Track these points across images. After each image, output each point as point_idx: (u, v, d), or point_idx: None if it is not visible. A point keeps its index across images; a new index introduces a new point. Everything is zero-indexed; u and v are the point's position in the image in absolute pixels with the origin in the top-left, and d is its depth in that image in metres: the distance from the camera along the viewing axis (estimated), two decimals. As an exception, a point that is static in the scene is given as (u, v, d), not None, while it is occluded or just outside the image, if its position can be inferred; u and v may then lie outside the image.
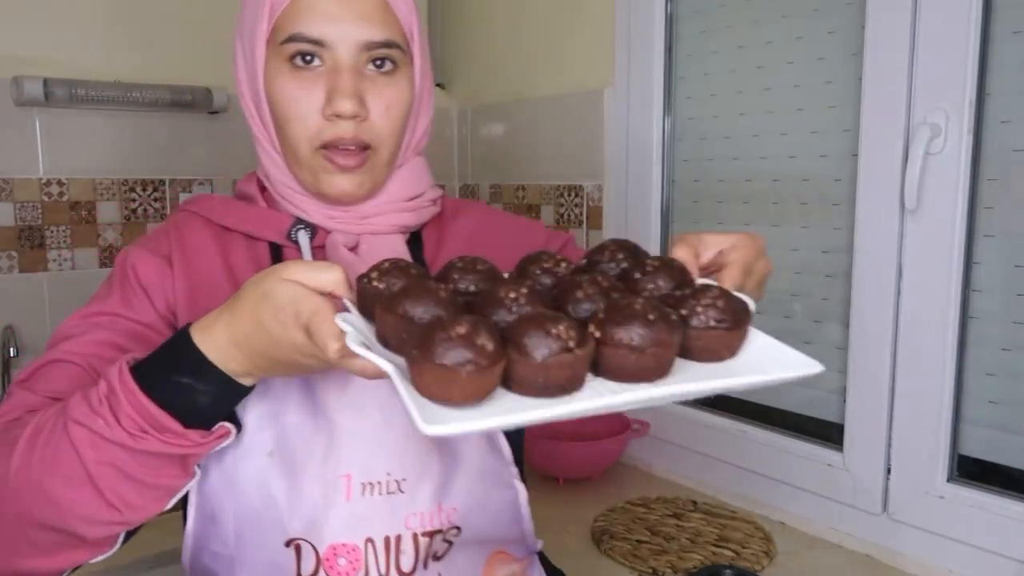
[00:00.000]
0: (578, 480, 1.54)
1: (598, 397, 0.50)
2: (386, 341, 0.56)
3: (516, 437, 0.80)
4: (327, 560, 0.67)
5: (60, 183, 1.63)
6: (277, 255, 0.80)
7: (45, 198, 1.61)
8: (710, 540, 1.27)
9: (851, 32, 1.23)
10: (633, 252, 0.64)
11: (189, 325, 0.62)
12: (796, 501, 1.34)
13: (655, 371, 0.52)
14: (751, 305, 0.58)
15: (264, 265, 0.78)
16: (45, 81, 1.52)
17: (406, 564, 0.68)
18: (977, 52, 1.08)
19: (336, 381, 0.71)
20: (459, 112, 2.08)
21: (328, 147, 0.75)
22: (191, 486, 0.67)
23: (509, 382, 0.51)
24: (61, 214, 1.63)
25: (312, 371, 0.61)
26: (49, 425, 0.62)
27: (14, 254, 1.59)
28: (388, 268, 0.59)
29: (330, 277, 0.58)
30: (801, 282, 1.35)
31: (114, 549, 0.68)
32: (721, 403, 1.50)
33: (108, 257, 1.69)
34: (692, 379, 0.53)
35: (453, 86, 2.12)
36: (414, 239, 0.84)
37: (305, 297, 0.56)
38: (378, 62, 0.76)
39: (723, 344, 0.55)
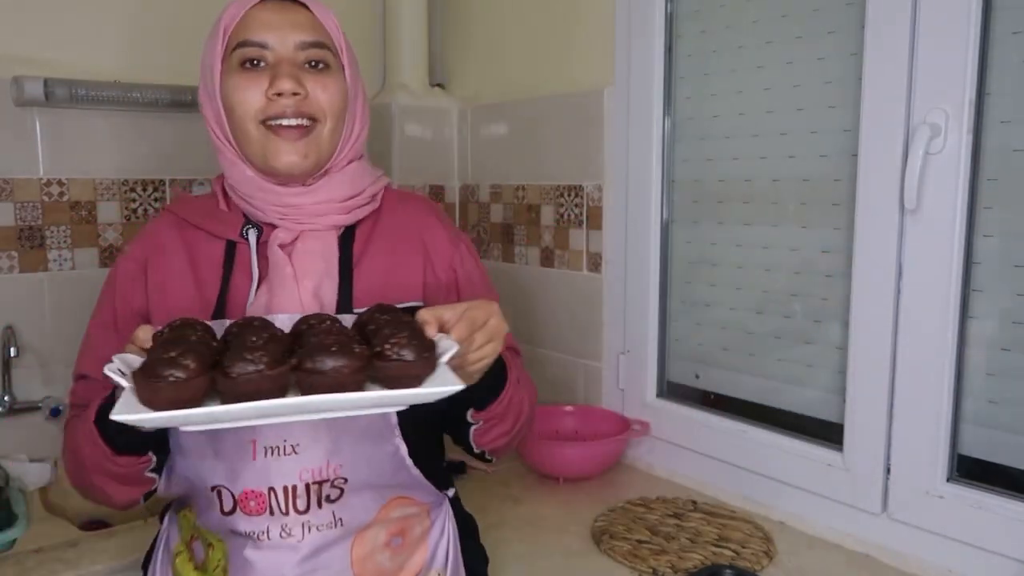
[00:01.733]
0: (578, 480, 1.54)
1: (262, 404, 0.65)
2: None
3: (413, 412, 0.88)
4: (241, 501, 0.86)
5: (60, 183, 1.63)
6: (231, 251, 0.94)
7: (45, 198, 1.61)
8: (710, 540, 1.27)
9: (851, 32, 1.23)
10: (391, 312, 0.78)
11: None
12: (796, 501, 1.34)
13: (340, 391, 0.66)
14: (445, 346, 0.72)
15: (219, 260, 0.94)
16: (45, 81, 1.52)
17: (301, 505, 0.86)
18: (977, 52, 1.08)
19: None
20: (459, 112, 2.08)
21: (272, 122, 0.88)
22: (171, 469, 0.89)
23: (222, 399, 0.66)
24: (61, 214, 1.63)
25: None
26: (71, 425, 0.92)
27: (14, 254, 1.59)
28: (178, 324, 0.75)
29: (140, 336, 0.74)
30: (801, 282, 1.35)
31: (144, 498, 0.92)
32: (722, 404, 1.50)
33: (108, 257, 1.69)
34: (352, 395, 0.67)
35: (453, 86, 2.12)
36: (348, 235, 0.96)
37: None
38: (313, 63, 0.90)
39: (407, 374, 0.68)
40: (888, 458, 1.21)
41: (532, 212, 1.84)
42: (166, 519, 1.01)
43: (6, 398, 1.58)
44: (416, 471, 0.92)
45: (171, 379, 0.63)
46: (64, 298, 1.62)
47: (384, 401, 0.68)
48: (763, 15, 1.36)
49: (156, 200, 1.74)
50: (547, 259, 1.81)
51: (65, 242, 1.64)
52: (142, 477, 0.86)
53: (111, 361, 0.69)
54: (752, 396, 1.45)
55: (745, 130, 1.41)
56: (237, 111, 0.88)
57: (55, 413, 1.62)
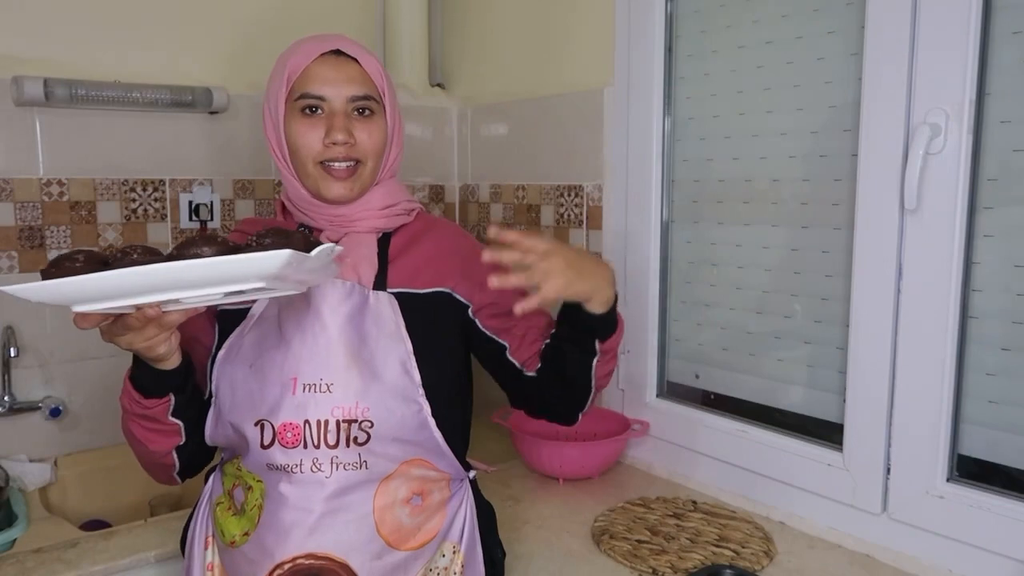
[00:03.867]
0: (578, 480, 1.54)
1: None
2: None
3: (433, 372, 1.04)
4: (280, 433, 0.99)
5: (60, 183, 1.63)
6: None
7: (45, 198, 1.61)
8: (710, 540, 1.27)
9: (851, 32, 1.23)
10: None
11: None
12: (796, 501, 1.34)
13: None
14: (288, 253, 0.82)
15: None
16: (45, 81, 1.52)
17: (331, 440, 0.99)
18: (977, 52, 1.08)
19: (294, 316, 1.02)
20: (459, 112, 2.08)
21: (326, 164, 1.06)
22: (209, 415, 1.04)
23: None
24: (61, 214, 1.63)
25: (129, 345, 0.90)
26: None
27: (14, 254, 1.59)
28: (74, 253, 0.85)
29: None
30: (801, 282, 1.35)
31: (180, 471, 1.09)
32: (722, 403, 1.50)
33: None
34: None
35: (453, 86, 2.12)
36: (385, 239, 1.12)
37: None
38: (360, 110, 1.07)
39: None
40: (888, 458, 1.21)
41: (532, 212, 1.84)
42: (211, 479, 1.12)
43: (6, 398, 1.58)
44: (438, 434, 1.04)
45: (67, 266, 0.80)
46: (64, 298, 1.62)
47: (210, 272, 0.78)
48: (763, 15, 1.36)
49: (156, 200, 1.74)
50: (547, 259, 1.81)
51: (65, 242, 1.64)
52: (167, 421, 1.01)
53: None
54: (752, 396, 1.45)
55: (745, 130, 1.41)
56: (300, 152, 1.06)
57: (55, 413, 1.62)
